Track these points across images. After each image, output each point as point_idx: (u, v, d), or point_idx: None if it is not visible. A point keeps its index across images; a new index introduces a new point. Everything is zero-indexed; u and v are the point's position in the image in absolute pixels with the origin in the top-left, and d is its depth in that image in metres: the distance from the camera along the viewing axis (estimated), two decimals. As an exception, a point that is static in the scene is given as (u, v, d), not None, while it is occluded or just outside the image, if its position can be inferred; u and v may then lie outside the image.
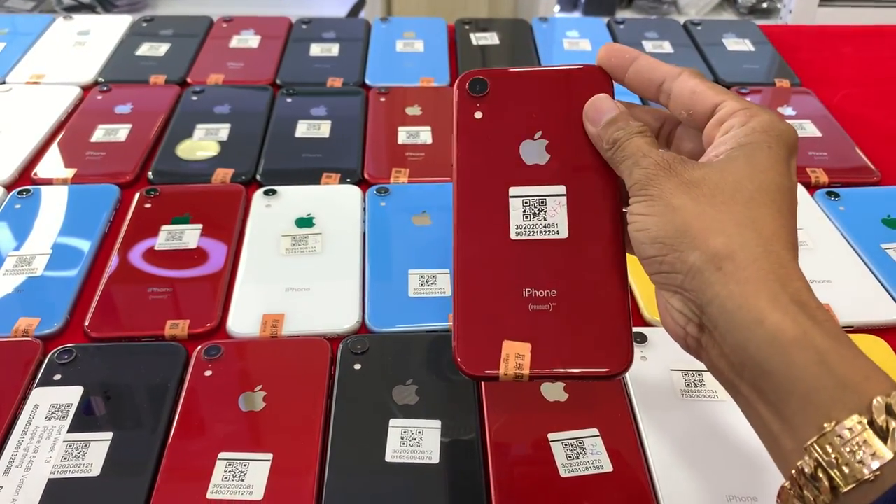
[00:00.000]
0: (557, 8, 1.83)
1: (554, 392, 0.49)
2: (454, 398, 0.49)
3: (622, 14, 1.86)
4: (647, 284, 0.57)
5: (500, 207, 0.36)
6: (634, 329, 0.53)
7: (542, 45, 0.91)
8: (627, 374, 0.50)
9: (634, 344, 0.52)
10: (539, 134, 0.37)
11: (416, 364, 0.51)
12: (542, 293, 0.35)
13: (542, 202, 0.36)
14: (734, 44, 0.92)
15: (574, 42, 0.91)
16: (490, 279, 0.35)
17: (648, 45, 0.91)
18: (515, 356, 0.34)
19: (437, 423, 0.47)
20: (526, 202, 0.36)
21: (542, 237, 0.36)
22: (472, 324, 0.35)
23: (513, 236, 0.36)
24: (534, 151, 0.37)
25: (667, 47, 0.91)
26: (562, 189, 0.36)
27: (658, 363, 0.51)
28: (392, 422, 0.47)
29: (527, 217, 0.36)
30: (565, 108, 0.37)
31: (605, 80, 0.37)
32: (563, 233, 0.36)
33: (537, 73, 0.38)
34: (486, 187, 0.37)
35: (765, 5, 1.87)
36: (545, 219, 0.36)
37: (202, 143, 0.72)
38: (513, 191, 0.37)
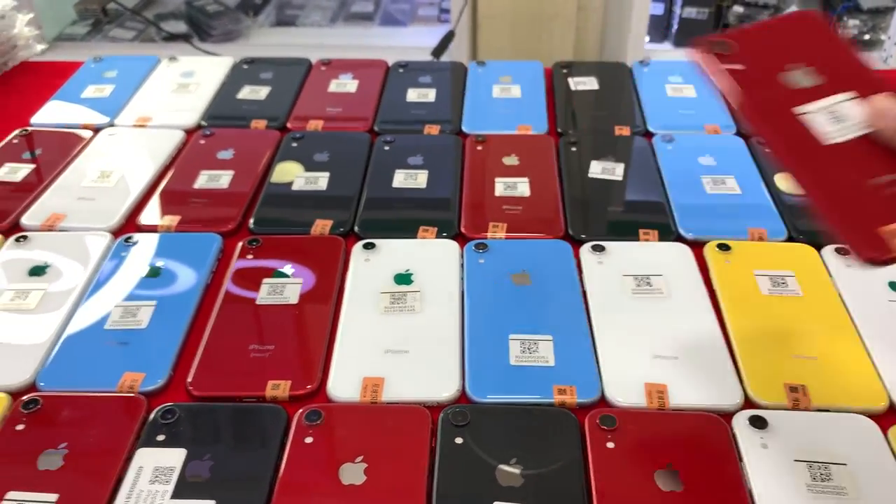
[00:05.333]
0: (647, 39, 1.80)
1: (669, 481, 0.46)
2: (561, 482, 0.46)
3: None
4: (753, 361, 0.54)
5: (800, 125, 0.41)
6: (753, 412, 0.50)
7: (642, 89, 0.88)
8: (747, 464, 0.47)
9: (753, 429, 0.49)
10: (799, 66, 0.43)
11: (519, 441, 0.49)
12: (883, 178, 0.39)
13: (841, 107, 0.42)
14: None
15: (678, 88, 0.88)
16: (834, 176, 0.40)
17: (756, 92, 0.87)
18: None
19: (545, 510, 0.45)
20: (824, 113, 0.42)
21: (857, 134, 0.41)
22: (849, 216, 0.38)
23: (829, 142, 0.41)
24: (803, 77, 0.43)
25: (775, 94, 0.87)
26: (851, 94, 0.42)
27: (781, 452, 0.47)
28: (496, 505, 0.45)
29: (832, 123, 0.41)
30: (809, 43, 0.44)
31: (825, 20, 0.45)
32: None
33: (762, 28, 0.47)
34: (779, 115, 0.42)
35: (867, 37, 1.79)
36: (849, 120, 0.41)
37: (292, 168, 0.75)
38: (807, 108, 0.42)
